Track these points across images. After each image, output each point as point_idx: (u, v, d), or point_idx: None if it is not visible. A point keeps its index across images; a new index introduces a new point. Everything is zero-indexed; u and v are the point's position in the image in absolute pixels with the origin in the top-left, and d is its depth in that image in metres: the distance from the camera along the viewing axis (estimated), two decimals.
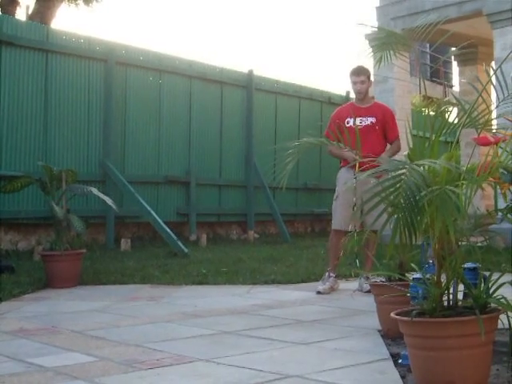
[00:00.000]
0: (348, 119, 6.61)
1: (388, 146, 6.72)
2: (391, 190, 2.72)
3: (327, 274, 6.60)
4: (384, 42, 3.81)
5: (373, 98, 7.66)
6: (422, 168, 2.75)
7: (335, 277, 6.62)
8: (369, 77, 6.76)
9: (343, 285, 6.76)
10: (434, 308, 2.86)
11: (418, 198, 2.67)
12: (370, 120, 6.59)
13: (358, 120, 6.57)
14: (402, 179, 2.68)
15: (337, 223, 6.66)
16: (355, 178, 6.25)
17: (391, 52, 3.80)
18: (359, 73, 6.69)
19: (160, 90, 12.29)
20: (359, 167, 6.21)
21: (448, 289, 2.92)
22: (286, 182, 3.59)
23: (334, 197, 6.76)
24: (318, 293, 6.39)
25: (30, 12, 15.45)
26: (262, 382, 3.17)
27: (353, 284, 6.64)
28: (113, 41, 11.70)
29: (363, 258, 6.61)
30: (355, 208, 6.32)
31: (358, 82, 6.68)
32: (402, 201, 2.68)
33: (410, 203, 2.68)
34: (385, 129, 6.67)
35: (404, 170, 2.71)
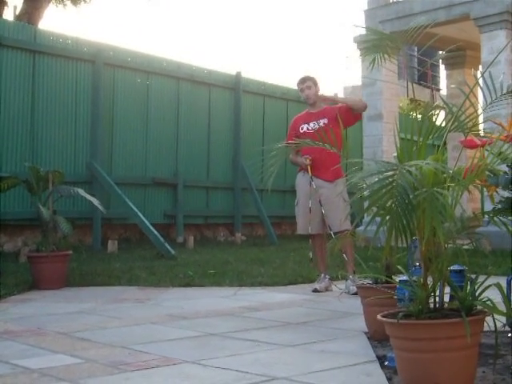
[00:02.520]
0: (302, 125, 6.90)
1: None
2: (383, 191, 2.72)
3: (322, 275, 6.77)
4: (373, 44, 3.81)
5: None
6: (413, 169, 2.75)
7: (329, 279, 6.74)
8: (315, 82, 7.00)
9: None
10: (421, 310, 2.86)
11: (412, 198, 2.68)
12: (322, 122, 6.78)
13: (311, 125, 6.82)
14: (394, 180, 2.68)
15: (300, 228, 6.89)
16: (311, 181, 6.67)
17: (382, 55, 3.79)
18: (303, 80, 7.00)
19: (148, 92, 12.28)
20: (313, 170, 6.64)
21: (434, 291, 2.93)
22: (274, 184, 3.63)
23: (295, 202, 6.98)
24: (315, 290, 6.61)
25: (17, 12, 15.39)
26: None
27: (340, 286, 6.64)
28: (101, 42, 11.70)
29: (344, 261, 6.73)
30: (311, 211, 6.64)
31: (305, 89, 6.97)
32: (396, 203, 2.69)
33: (405, 205, 2.69)
34: (341, 119, 6.70)
35: (394, 172, 2.71)
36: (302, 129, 6.83)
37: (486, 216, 3.14)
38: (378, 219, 2.82)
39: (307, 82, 6.95)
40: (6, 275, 7.37)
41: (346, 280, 6.56)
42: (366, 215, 3.20)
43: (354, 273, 6.45)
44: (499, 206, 3.16)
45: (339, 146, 3.50)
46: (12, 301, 6.25)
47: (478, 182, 3.04)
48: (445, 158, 3.18)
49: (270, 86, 15.17)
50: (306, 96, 6.98)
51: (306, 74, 7.09)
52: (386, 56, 3.73)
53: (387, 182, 2.72)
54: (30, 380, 3.32)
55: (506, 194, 3.15)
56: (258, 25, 71.11)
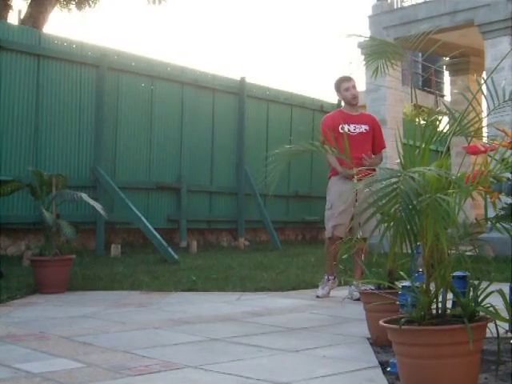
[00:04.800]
0: (342, 125, 6.59)
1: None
2: (387, 198, 2.72)
3: (326, 277, 6.69)
4: (376, 51, 3.82)
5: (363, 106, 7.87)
6: (416, 175, 2.75)
7: (334, 278, 6.67)
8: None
9: (333, 293, 6.73)
10: (423, 316, 2.86)
11: (416, 204, 2.68)
12: (363, 127, 6.64)
13: (352, 127, 6.62)
14: (398, 187, 2.68)
15: (331, 231, 6.64)
16: (354, 187, 6.41)
17: (385, 62, 3.80)
18: (350, 79, 6.78)
19: (152, 96, 12.29)
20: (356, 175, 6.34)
21: (437, 297, 2.92)
22: (277, 189, 3.63)
23: (329, 206, 6.72)
24: (317, 297, 6.55)
25: (22, 16, 15.43)
26: None
27: (343, 292, 6.64)
28: (105, 46, 11.71)
29: (353, 266, 6.68)
30: (345, 214, 6.46)
31: (351, 87, 6.72)
32: (400, 209, 2.69)
33: (409, 211, 2.69)
34: (374, 139, 6.74)
35: (397, 178, 2.72)
36: (342, 128, 6.51)
37: (489, 222, 3.14)
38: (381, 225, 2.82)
39: (353, 81, 6.74)
40: (8, 279, 7.37)
41: (350, 286, 6.54)
42: None
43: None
44: (502, 212, 3.16)
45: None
46: (15, 304, 6.26)
47: (481, 188, 3.04)
48: (448, 164, 3.18)
49: (274, 91, 15.17)
50: (352, 95, 6.70)
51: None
52: (389, 63, 3.74)
53: (391, 188, 2.72)
54: None
55: (508, 200, 3.15)
56: (263, 30, 71.25)
